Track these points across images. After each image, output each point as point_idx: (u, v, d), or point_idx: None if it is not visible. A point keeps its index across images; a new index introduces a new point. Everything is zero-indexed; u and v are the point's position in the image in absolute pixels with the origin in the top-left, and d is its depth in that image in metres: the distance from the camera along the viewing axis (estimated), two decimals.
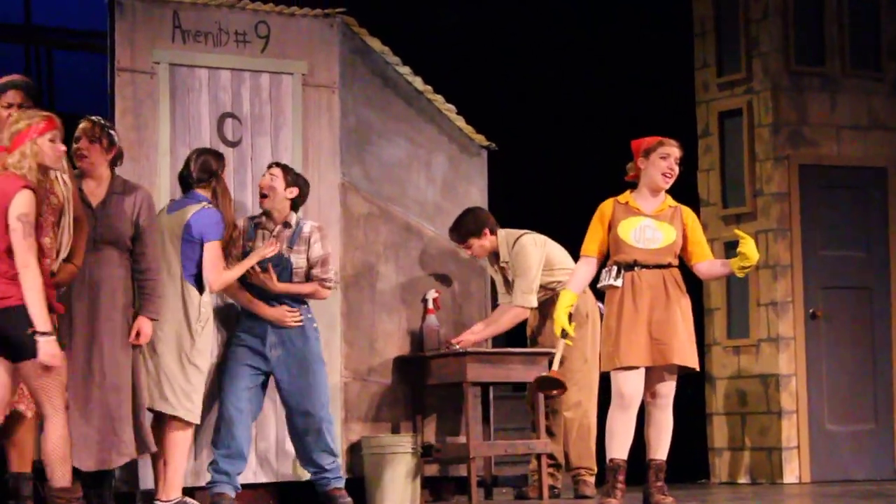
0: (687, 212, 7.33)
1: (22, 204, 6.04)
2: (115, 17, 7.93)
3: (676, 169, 7.28)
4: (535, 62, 11.06)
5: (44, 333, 6.04)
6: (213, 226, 7.42)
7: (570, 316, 7.23)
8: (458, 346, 8.35)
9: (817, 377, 9.99)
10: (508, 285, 8.59)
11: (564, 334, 7.26)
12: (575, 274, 7.39)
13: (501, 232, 8.56)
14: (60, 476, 6.23)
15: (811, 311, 10.02)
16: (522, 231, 8.57)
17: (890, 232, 10.28)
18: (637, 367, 7.09)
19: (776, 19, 10.08)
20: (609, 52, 11.02)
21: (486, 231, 8.52)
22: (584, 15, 11.11)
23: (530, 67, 11.04)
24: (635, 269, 7.17)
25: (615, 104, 10.66)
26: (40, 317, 6.03)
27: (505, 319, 8.51)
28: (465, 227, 8.53)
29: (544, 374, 7.50)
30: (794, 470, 9.86)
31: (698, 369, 7.25)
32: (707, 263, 7.33)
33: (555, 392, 7.50)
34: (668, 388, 7.17)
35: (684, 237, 7.26)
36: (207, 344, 7.45)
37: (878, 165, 10.32)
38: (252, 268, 7.71)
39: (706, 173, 10.40)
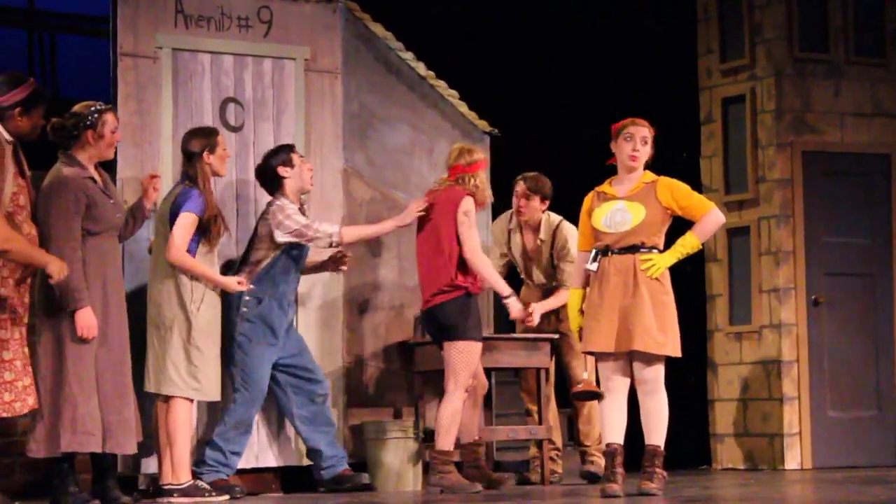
0: (662, 183, 7.21)
1: (466, 203, 7.74)
2: (118, 1, 7.94)
3: (643, 150, 7.21)
4: (539, 48, 11.04)
5: (507, 296, 7.78)
6: (189, 199, 7.39)
7: (582, 312, 7.27)
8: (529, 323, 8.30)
9: (819, 363, 10.00)
10: (533, 262, 8.57)
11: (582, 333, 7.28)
12: (575, 270, 7.43)
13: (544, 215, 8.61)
14: (445, 442, 7.65)
15: (813, 297, 10.02)
16: (559, 216, 8.63)
17: (893, 219, 10.27)
18: (606, 352, 7.09)
19: (780, 6, 10.06)
20: (613, 38, 11.01)
21: (548, 202, 8.57)
22: (588, 1, 11.09)
23: (533, 53, 11.03)
24: (608, 254, 7.16)
25: (618, 91, 10.64)
26: (498, 283, 7.81)
27: (563, 297, 8.38)
28: (544, 184, 8.54)
29: (579, 388, 7.47)
30: (795, 456, 9.86)
31: (674, 355, 7.10)
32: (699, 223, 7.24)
33: (596, 400, 7.50)
34: (650, 374, 7.10)
35: (669, 208, 7.17)
36: (208, 323, 7.43)
37: (881, 152, 10.31)
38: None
39: (709, 159, 10.39)
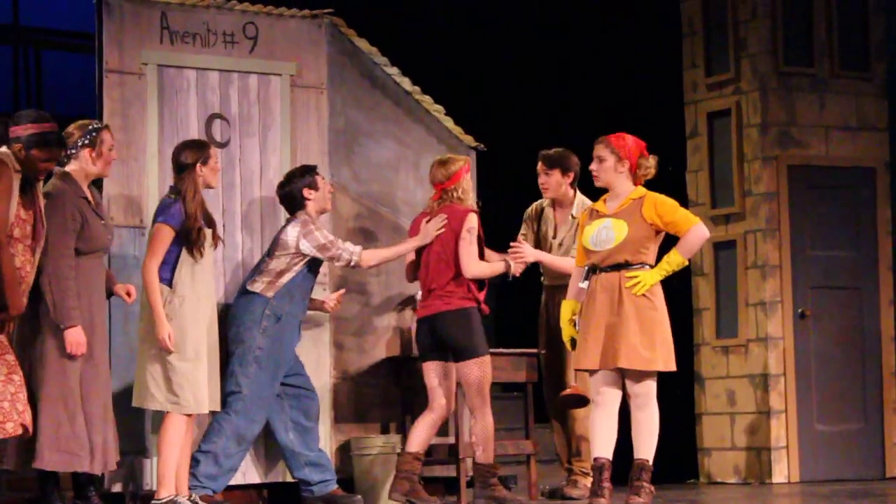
0: (648, 200, 7.20)
1: (470, 220, 7.69)
2: (104, 18, 7.93)
3: (600, 167, 7.21)
4: (524, 63, 11.06)
5: (507, 269, 7.89)
6: (163, 209, 7.36)
7: (575, 323, 7.27)
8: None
9: (806, 377, 10.01)
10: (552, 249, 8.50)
11: (574, 344, 7.27)
12: (570, 284, 7.42)
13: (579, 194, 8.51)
14: (486, 455, 7.70)
15: (800, 310, 10.04)
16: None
17: (878, 232, 10.31)
18: (594, 369, 7.11)
19: (765, 20, 10.10)
20: (598, 52, 11.03)
21: (573, 175, 8.46)
22: (573, 16, 11.11)
23: (519, 68, 11.04)
24: (597, 272, 7.17)
25: (604, 105, 10.66)
26: (494, 269, 7.83)
27: (561, 263, 8.30)
28: (563, 157, 8.44)
29: (566, 392, 7.49)
30: (783, 470, 9.87)
31: (665, 370, 7.11)
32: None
33: (583, 406, 7.51)
34: (641, 388, 7.11)
35: (653, 224, 7.17)
36: (185, 335, 7.32)
37: (866, 165, 10.34)
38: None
39: (695, 174, 10.42)
